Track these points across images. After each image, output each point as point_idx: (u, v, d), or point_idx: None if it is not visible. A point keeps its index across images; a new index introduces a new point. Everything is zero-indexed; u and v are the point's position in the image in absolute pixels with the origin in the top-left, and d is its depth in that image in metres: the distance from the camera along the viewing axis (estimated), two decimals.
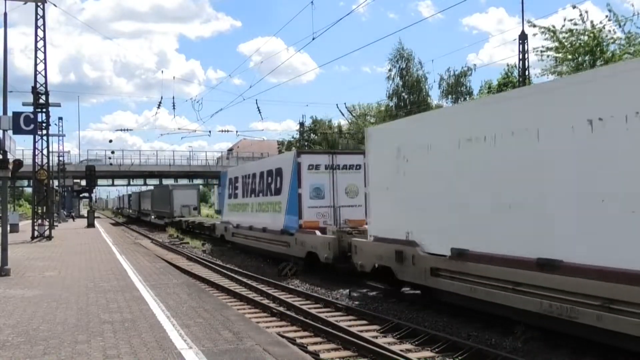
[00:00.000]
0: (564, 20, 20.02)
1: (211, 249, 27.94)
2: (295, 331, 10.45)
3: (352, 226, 16.02)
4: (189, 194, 45.76)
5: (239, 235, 24.15)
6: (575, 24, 19.78)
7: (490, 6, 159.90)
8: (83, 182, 58.53)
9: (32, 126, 15.70)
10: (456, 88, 41.26)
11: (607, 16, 19.42)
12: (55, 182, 48.06)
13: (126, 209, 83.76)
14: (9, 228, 16.47)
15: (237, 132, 59.58)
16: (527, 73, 26.32)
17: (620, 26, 19.21)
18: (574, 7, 20.04)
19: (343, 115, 59.20)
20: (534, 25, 21.59)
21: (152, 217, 53.73)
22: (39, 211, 29.57)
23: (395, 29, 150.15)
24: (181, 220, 41.12)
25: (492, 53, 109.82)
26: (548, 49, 20.56)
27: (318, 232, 16.62)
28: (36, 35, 27.35)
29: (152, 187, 68.97)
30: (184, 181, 67.95)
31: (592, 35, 19.39)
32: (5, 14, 17.63)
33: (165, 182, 66.98)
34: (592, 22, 19.77)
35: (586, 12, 19.77)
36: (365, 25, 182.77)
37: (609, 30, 19.55)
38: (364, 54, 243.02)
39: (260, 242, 21.17)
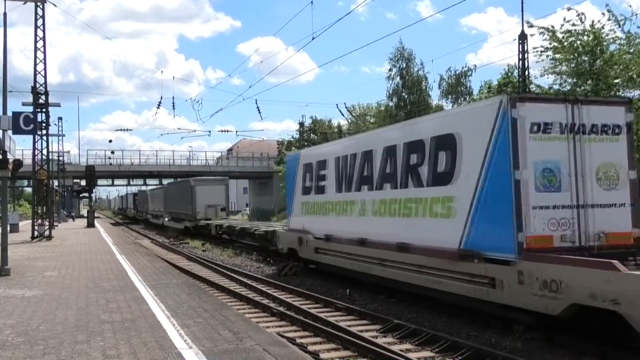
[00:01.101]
0: (564, 20, 20.02)
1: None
2: (295, 331, 10.45)
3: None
4: (216, 191, 36.09)
5: (332, 252, 15.31)
6: (574, 25, 19.77)
7: (489, 6, 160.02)
8: (83, 182, 58.50)
9: (31, 126, 15.70)
10: (456, 88, 41.27)
11: (603, 14, 19.40)
12: (55, 182, 48.06)
13: (130, 209, 75.08)
14: (9, 228, 16.48)
15: (236, 132, 59.71)
16: (527, 73, 26.34)
17: (619, 26, 19.17)
18: (569, 9, 20.03)
19: (343, 115, 59.28)
20: (532, 26, 21.55)
21: (166, 219, 44.76)
22: (39, 211, 29.56)
23: (394, 29, 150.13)
24: (209, 225, 32.04)
25: (491, 53, 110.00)
26: (547, 48, 20.54)
27: (622, 266, 7.75)
28: (36, 35, 27.36)
29: (154, 185, 68.13)
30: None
31: (592, 34, 19.36)
32: (4, 14, 17.62)
33: (166, 182, 66.67)
34: (592, 21, 19.75)
35: (582, 14, 19.70)
36: (364, 25, 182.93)
37: (611, 30, 19.53)
38: (363, 54, 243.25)
39: (392, 268, 12.32)
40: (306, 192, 17.50)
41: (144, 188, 72.03)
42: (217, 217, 34.32)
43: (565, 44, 19.95)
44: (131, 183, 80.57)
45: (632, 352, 7.83)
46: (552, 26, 20.43)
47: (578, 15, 19.69)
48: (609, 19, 19.36)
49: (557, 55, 20.34)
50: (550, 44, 20.28)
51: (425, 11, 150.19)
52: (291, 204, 18.81)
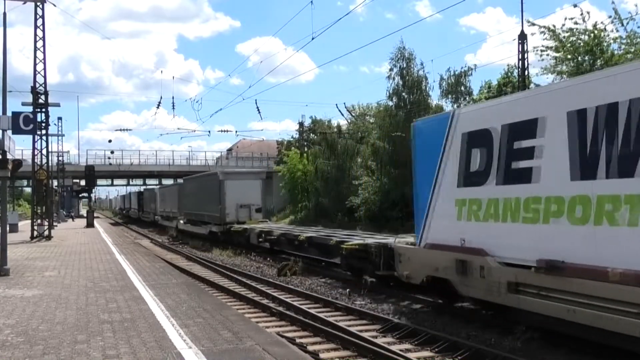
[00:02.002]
0: (565, 19, 20.02)
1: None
2: (294, 331, 10.45)
3: None
4: (250, 187, 29.03)
5: (573, 298, 8.00)
6: (576, 23, 19.76)
7: (488, 6, 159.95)
8: (82, 182, 58.50)
9: (31, 126, 15.71)
10: (456, 88, 41.29)
11: (610, 17, 19.42)
12: (55, 182, 48.04)
13: (134, 210, 67.63)
14: (8, 228, 16.47)
15: (236, 132, 59.98)
16: (526, 73, 26.31)
17: (622, 25, 19.16)
18: (575, 5, 20.04)
19: (342, 115, 59.25)
20: (534, 24, 21.50)
21: (181, 222, 37.81)
22: (39, 211, 29.55)
23: (392, 29, 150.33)
24: (247, 230, 25.22)
25: (490, 53, 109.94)
26: (548, 48, 20.53)
27: None
28: (35, 35, 27.32)
29: (154, 185, 67.25)
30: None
31: (592, 34, 19.36)
32: (4, 14, 17.55)
33: (165, 182, 66.36)
34: (595, 23, 19.74)
35: (588, 12, 19.70)
36: (362, 25, 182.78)
37: (612, 30, 19.52)
38: (361, 54, 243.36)
39: None
40: (471, 180, 10.32)
41: (152, 186, 70.57)
42: (252, 219, 27.76)
43: (566, 43, 19.95)
44: (131, 183, 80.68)
45: (632, 352, 7.81)
46: (554, 25, 20.44)
47: (582, 14, 19.68)
48: (612, 21, 19.34)
49: (558, 55, 20.35)
50: (553, 41, 20.27)
51: (424, 11, 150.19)
52: (427, 202, 11.48)
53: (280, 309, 12.25)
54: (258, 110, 58.63)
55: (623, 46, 19.46)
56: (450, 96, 41.83)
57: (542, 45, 20.79)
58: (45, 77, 27.24)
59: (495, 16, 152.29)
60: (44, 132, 29.38)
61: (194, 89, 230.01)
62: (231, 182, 28.68)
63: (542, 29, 20.61)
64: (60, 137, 51.95)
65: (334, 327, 10.21)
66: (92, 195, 62.67)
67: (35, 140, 28.02)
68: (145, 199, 58.66)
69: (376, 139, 39.36)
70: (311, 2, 18.67)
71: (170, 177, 66.85)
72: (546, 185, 8.66)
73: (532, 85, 25.79)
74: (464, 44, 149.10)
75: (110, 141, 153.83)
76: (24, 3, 25.24)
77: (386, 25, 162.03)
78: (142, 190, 67.51)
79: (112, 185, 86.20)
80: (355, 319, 11.33)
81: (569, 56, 20.04)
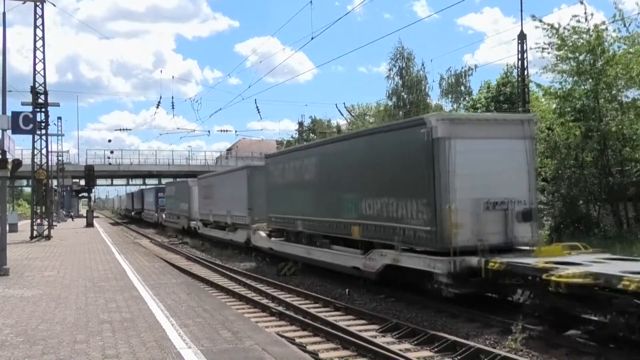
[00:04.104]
0: (570, 19, 19.91)
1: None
2: (294, 331, 10.46)
3: None
4: (505, 155, 11.45)
5: None
6: (579, 22, 19.69)
7: (485, 6, 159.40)
8: (82, 182, 58.44)
9: (31, 126, 15.69)
10: (456, 88, 41.36)
11: (613, 17, 19.38)
12: (54, 182, 47.99)
13: (151, 211, 51.06)
14: (7, 228, 16.46)
15: (235, 132, 59.98)
16: (526, 73, 26.29)
17: (624, 25, 19.10)
18: (581, 2, 19.96)
19: (342, 115, 59.31)
20: (541, 20, 21.20)
21: (262, 233, 20.92)
22: (38, 211, 29.52)
23: (390, 29, 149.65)
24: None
25: (488, 54, 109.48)
26: (550, 45, 20.43)
27: None
28: (35, 35, 27.28)
29: (152, 185, 66.66)
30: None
31: (594, 34, 19.31)
32: (4, 14, 17.52)
33: (165, 182, 66.13)
34: (595, 25, 19.66)
35: (592, 14, 19.62)
36: (360, 25, 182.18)
37: (613, 30, 19.46)
38: (360, 54, 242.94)
39: None
40: None
41: (142, 187, 69.90)
42: (515, 240, 11.37)
43: (568, 42, 19.90)
44: (130, 183, 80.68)
45: (632, 352, 7.82)
46: (559, 24, 20.35)
47: (585, 13, 19.62)
48: (614, 21, 19.27)
49: (559, 53, 20.28)
50: (556, 39, 20.19)
51: (421, 11, 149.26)
52: None
53: (280, 308, 12.25)
54: (258, 110, 58.71)
55: (623, 45, 19.42)
56: (450, 96, 41.95)
57: (544, 42, 20.71)
58: (44, 76, 27.21)
59: (493, 16, 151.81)
60: (43, 131, 29.33)
61: (192, 88, 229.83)
62: (466, 144, 11.35)
63: (546, 26, 20.50)
64: (59, 137, 52.03)
65: (333, 327, 10.21)
66: (92, 195, 62.55)
67: (35, 140, 28.00)
68: (169, 197, 41.61)
69: None
70: (310, 2, 18.69)
71: (170, 177, 66.77)
72: None
73: (531, 85, 25.74)
74: (462, 44, 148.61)
75: (109, 141, 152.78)
76: (24, 3, 25.23)
77: (384, 25, 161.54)
78: (164, 184, 51.49)
79: (111, 185, 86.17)
80: (354, 318, 11.33)
81: (570, 55, 19.97)
